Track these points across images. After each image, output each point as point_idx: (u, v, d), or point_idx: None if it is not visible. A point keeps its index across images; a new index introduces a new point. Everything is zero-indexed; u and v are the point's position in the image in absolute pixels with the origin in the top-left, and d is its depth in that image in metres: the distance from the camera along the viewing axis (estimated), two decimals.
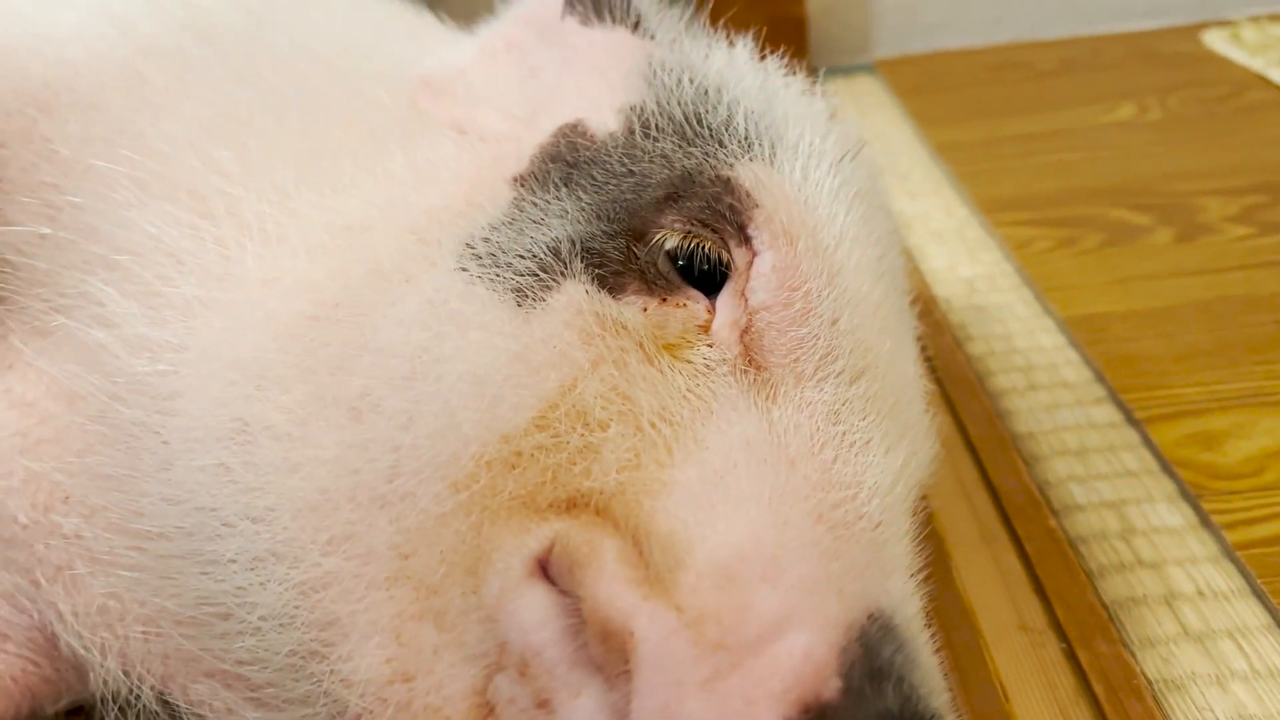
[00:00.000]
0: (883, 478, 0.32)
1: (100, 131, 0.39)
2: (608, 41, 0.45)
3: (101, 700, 0.45)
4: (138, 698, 0.43)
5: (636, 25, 0.45)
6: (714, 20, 0.97)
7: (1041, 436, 0.53)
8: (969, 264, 0.71)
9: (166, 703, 0.43)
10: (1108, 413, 0.54)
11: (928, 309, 0.66)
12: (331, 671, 0.30)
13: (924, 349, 0.62)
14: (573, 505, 0.31)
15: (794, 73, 0.47)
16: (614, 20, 0.46)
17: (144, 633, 0.41)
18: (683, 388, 0.33)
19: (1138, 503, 0.48)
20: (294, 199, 0.37)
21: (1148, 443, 0.51)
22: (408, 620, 0.31)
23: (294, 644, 0.31)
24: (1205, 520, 0.46)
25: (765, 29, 1.12)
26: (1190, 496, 0.47)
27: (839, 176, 0.39)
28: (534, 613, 0.29)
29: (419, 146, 0.40)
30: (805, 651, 0.26)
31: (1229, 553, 0.44)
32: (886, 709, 0.26)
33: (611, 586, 0.28)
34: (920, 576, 0.33)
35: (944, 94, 1.04)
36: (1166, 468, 0.49)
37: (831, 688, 0.26)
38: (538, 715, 0.28)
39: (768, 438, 0.32)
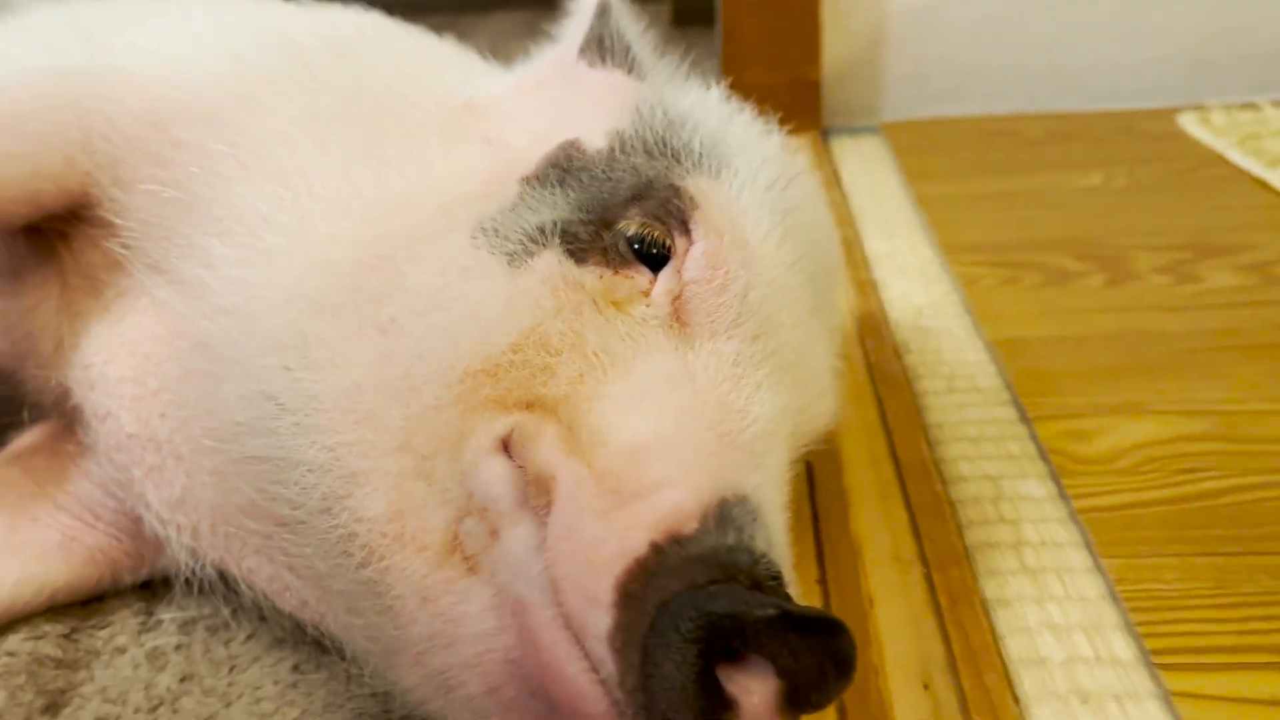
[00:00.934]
0: (766, 413, 0.43)
1: (217, 131, 0.52)
2: (607, 80, 0.57)
3: (173, 574, 0.57)
4: (202, 570, 0.54)
5: (631, 69, 0.58)
6: (739, 80, 1.11)
7: (948, 426, 0.63)
8: (922, 294, 0.82)
9: (223, 576, 0.55)
10: (1006, 412, 0.64)
11: (879, 326, 0.77)
12: (349, 510, 0.42)
13: (868, 355, 0.73)
14: (531, 405, 0.42)
15: (770, 121, 0.59)
16: (615, 64, 0.58)
17: (211, 518, 0.53)
18: (622, 332, 0.44)
19: (1012, 478, 0.58)
20: (356, 180, 0.50)
21: (1032, 436, 0.61)
22: (406, 477, 0.42)
23: (325, 490, 0.43)
24: (1061, 493, 0.56)
25: (785, 90, 1.25)
26: (1055, 476, 0.58)
27: (768, 194, 0.51)
28: (493, 473, 0.40)
29: (455, 150, 0.53)
30: (676, 502, 0.37)
31: (1073, 516, 0.54)
32: (725, 545, 0.37)
33: (547, 451, 0.39)
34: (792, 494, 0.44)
35: (936, 154, 1.16)
36: (1042, 454, 0.60)
37: (689, 526, 0.37)
38: (489, 542, 0.39)
39: (681, 372, 0.43)
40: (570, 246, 0.46)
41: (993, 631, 0.48)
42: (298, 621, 0.52)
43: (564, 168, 0.51)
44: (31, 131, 0.53)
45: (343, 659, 0.51)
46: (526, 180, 0.51)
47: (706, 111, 0.55)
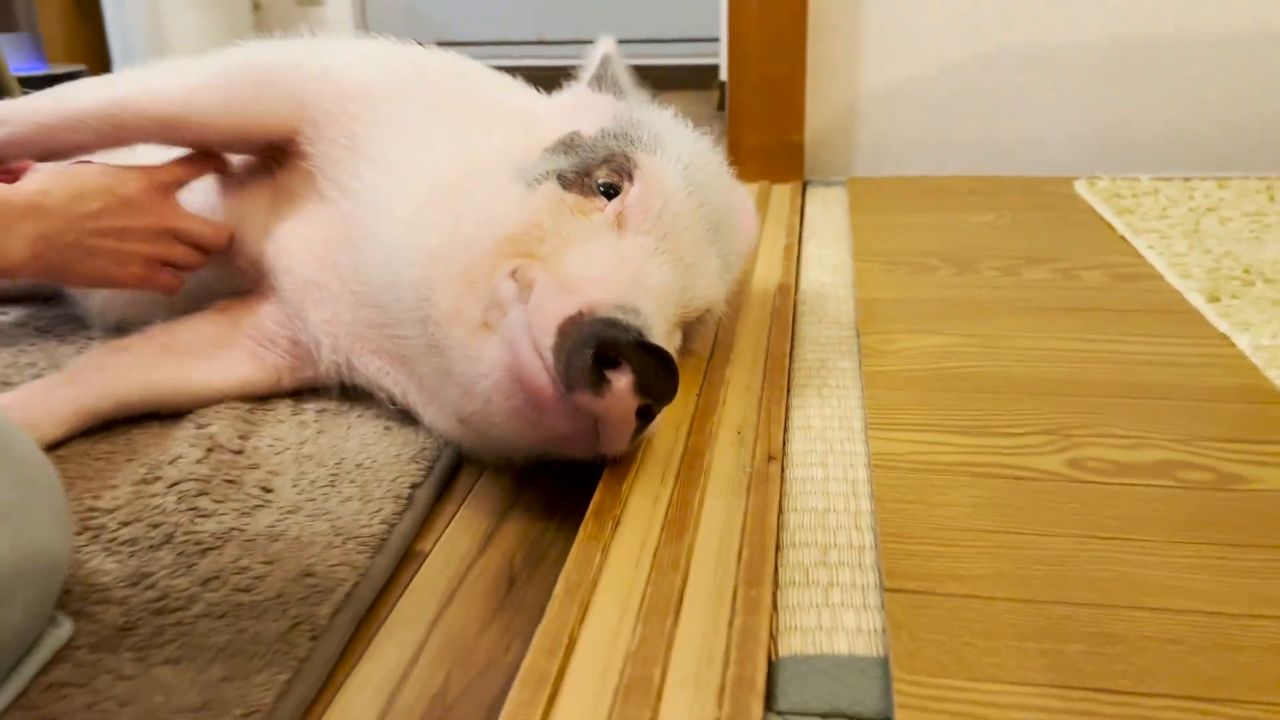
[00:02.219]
0: (659, 275, 0.77)
1: (375, 109, 0.89)
2: (603, 101, 0.94)
3: (314, 381, 0.93)
4: (335, 367, 0.90)
5: (618, 95, 0.94)
6: (742, 141, 1.49)
7: (807, 339, 0.97)
8: (829, 277, 1.17)
9: (348, 378, 0.91)
10: (848, 332, 0.98)
11: (789, 290, 1.12)
12: (429, 308, 0.77)
13: (774, 302, 1.07)
14: (530, 256, 0.77)
15: (714, 139, 0.95)
16: (608, 92, 0.95)
17: (347, 329, 0.89)
18: (584, 225, 0.79)
19: (834, 360, 0.92)
20: (450, 143, 0.86)
21: (856, 341, 0.95)
22: (460, 290, 0.76)
23: (418, 299, 0.78)
24: (859, 367, 0.90)
25: (775, 150, 1.64)
26: (859, 357, 0.91)
27: (685, 167, 0.84)
28: (505, 286, 0.74)
29: (509, 133, 0.89)
30: (596, 295, 0.71)
31: (859, 376, 0.88)
32: (618, 316, 0.70)
33: (532, 272, 0.74)
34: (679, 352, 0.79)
35: (880, 199, 1.51)
36: (858, 350, 0.94)
37: (601, 308, 0.70)
38: (500, 318, 0.74)
39: (614, 246, 0.78)
40: (562, 182, 0.81)
41: (787, 411, 0.81)
42: (391, 398, 0.88)
43: (568, 144, 0.87)
44: (271, 96, 0.91)
45: (417, 423, 0.87)
46: (546, 149, 0.87)
47: (657, 120, 0.91)
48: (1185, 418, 0.77)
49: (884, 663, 0.52)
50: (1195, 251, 1.15)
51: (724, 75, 2.57)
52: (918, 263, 1.19)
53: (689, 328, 0.84)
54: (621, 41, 3.38)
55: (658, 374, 0.65)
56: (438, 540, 0.75)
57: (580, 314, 0.66)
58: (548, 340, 0.66)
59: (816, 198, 1.58)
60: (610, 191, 0.79)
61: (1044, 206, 1.43)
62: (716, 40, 2.79)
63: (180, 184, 0.92)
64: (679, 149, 0.84)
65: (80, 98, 0.90)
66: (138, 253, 0.87)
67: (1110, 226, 1.30)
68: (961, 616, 0.54)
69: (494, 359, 0.70)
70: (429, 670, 0.61)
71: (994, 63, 1.62)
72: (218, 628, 0.61)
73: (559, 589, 0.59)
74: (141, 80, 0.93)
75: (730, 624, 0.55)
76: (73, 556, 0.59)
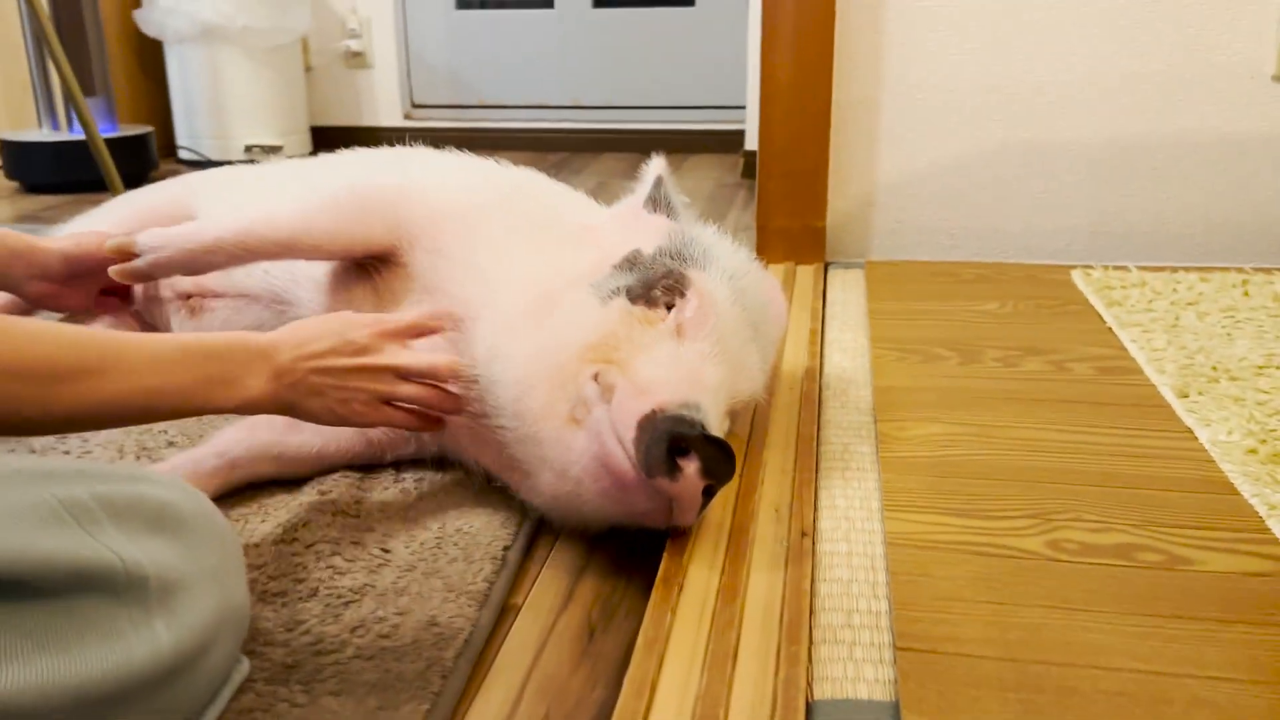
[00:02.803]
0: (713, 374, 0.93)
1: (461, 226, 1.07)
2: (656, 221, 1.10)
3: (411, 456, 1.10)
4: (433, 452, 1.07)
5: (669, 214, 1.11)
6: (769, 225, 1.67)
7: (832, 423, 1.14)
8: (849, 362, 1.33)
9: (443, 455, 1.07)
10: (866, 417, 1.15)
11: (815, 375, 1.28)
12: (524, 406, 0.93)
13: (802, 386, 1.24)
14: (608, 362, 0.93)
15: (748, 247, 1.11)
16: (661, 212, 1.12)
17: (450, 422, 1.05)
18: (650, 334, 0.95)
19: (855, 444, 1.08)
20: (530, 259, 1.03)
21: (874, 426, 1.12)
22: (553, 389, 0.92)
23: (513, 398, 0.94)
24: (876, 450, 1.06)
25: (799, 234, 1.82)
26: (876, 442, 1.07)
27: (731, 279, 0.99)
28: (589, 386, 0.90)
29: (580, 250, 1.06)
30: (666, 396, 0.86)
31: (876, 458, 1.04)
32: (686, 413, 0.86)
33: (612, 376, 0.90)
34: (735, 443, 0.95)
35: (895, 284, 1.67)
36: (875, 434, 1.10)
37: (672, 406, 0.85)
38: (584, 411, 0.90)
39: (676, 352, 0.93)
40: (630, 296, 0.98)
41: (816, 492, 0.97)
42: (488, 477, 1.05)
43: (631, 261, 1.03)
44: (372, 218, 1.09)
45: (506, 493, 1.03)
46: (614, 266, 1.03)
47: (704, 237, 1.07)
48: (1147, 505, 0.93)
49: (895, 706, 0.68)
50: (1172, 347, 1.31)
51: (749, 143, 2.76)
52: (927, 351, 1.35)
53: (735, 413, 1.00)
54: (651, 108, 3.68)
55: (720, 460, 0.81)
56: (527, 596, 0.91)
57: (654, 412, 0.82)
58: (629, 434, 0.82)
59: (837, 280, 1.75)
60: (669, 303, 0.93)
61: (1042, 295, 1.59)
62: (741, 108, 2.98)
63: (408, 336, 0.98)
64: (724, 263, 1.00)
65: (216, 226, 1.07)
66: (362, 389, 0.91)
67: (1100, 318, 1.47)
68: (956, 670, 0.70)
69: (583, 449, 0.85)
70: (531, 705, 0.77)
71: (998, 159, 1.79)
72: (368, 667, 0.78)
73: (640, 642, 0.75)
74: (264, 208, 1.11)
75: (776, 674, 0.71)
76: (249, 615, 0.75)
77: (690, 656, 0.73)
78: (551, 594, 0.92)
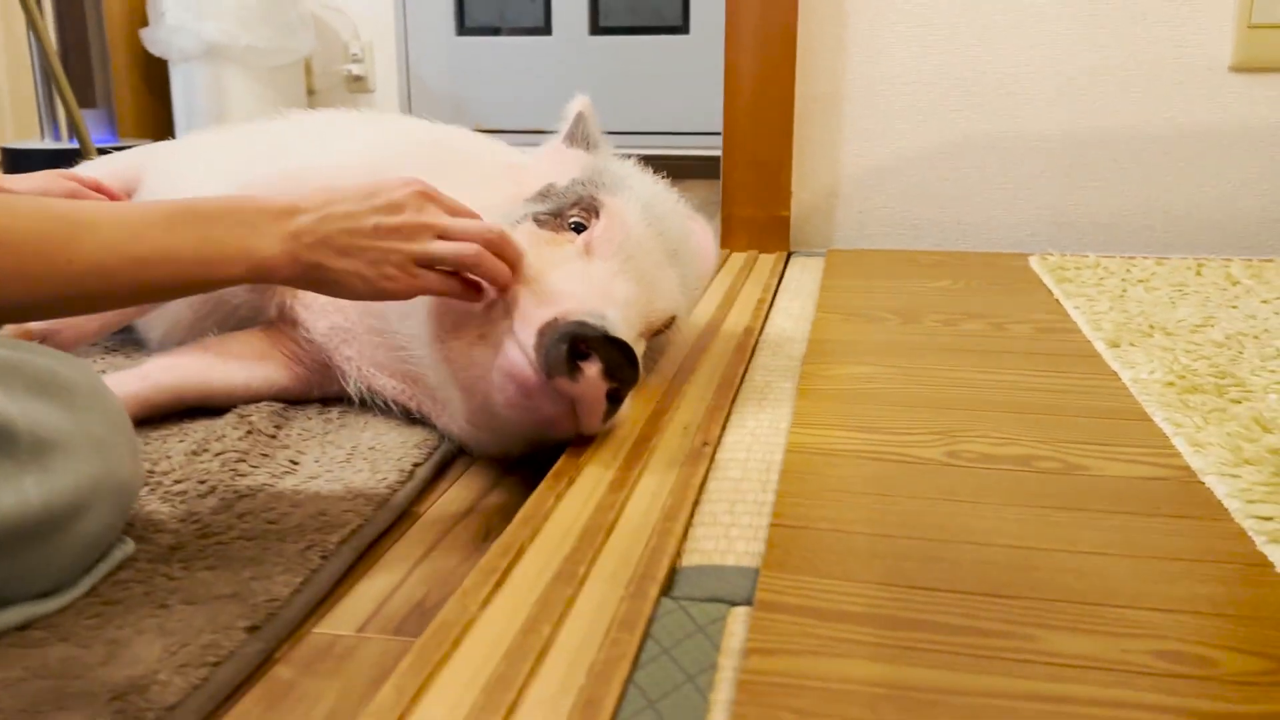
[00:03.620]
0: (621, 290, 0.93)
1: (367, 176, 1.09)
2: (575, 154, 1.11)
3: (336, 393, 1.10)
4: (355, 387, 1.08)
5: (589, 147, 1.12)
6: (733, 214, 1.69)
7: (760, 366, 1.14)
8: (792, 325, 1.34)
9: (369, 397, 1.08)
10: (794, 363, 1.15)
11: (754, 331, 1.29)
12: (437, 330, 0.94)
13: (741, 340, 1.24)
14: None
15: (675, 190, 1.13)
16: (582, 146, 1.12)
17: (369, 359, 1.06)
18: (558, 254, 0.95)
19: (775, 384, 1.08)
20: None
21: (798, 371, 1.12)
22: (459, 312, 0.93)
23: (424, 327, 0.95)
24: (795, 387, 1.06)
25: (764, 223, 1.84)
26: (796, 381, 1.07)
27: (643, 204, 0.95)
28: (496, 306, 0.92)
29: (499, 185, 1.08)
30: (569, 306, 0.87)
31: (794, 393, 1.04)
32: (589, 320, 0.87)
33: (519, 294, 0.91)
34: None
35: (853, 267, 1.68)
36: (796, 376, 1.10)
37: (574, 315, 0.87)
38: (491, 329, 0.91)
39: (583, 268, 0.93)
40: (538, 221, 0.95)
41: (728, 416, 0.97)
42: (406, 411, 1.05)
43: (544, 193, 1.02)
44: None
45: (426, 424, 1.04)
46: (527, 199, 1.05)
47: (620, 168, 1.04)
48: (1057, 428, 0.92)
49: (759, 571, 0.67)
50: (1114, 311, 1.31)
51: None
52: (871, 315, 1.35)
53: (656, 341, 1.00)
54: (641, 133, 3.70)
55: (622, 362, 0.81)
56: (430, 507, 0.91)
57: (555, 319, 0.83)
58: (530, 340, 0.83)
59: (797, 265, 1.76)
60: (580, 228, 0.94)
61: (994, 275, 1.59)
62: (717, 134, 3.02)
63: (447, 208, 0.87)
64: (639, 190, 1.01)
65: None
66: (396, 250, 0.80)
67: (1049, 292, 1.47)
68: (826, 541, 0.70)
69: (488, 363, 0.87)
70: (413, 588, 0.77)
71: (960, 151, 1.80)
72: (249, 547, 0.78)
73: (517, 518, 0.74)
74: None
75: (646, 544, 0.70)
76: (138, 492, 0.75)
77: (565, 530, 0.73)
78: (455, 505, 0.92)
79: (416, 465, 0.95)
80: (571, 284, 0.88)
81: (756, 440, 0.91)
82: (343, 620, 0.72)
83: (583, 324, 0.81)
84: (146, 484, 0.89)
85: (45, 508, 0.64)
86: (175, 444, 0.99)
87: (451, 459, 1.01)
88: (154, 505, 0.85)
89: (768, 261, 1.76)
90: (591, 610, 0.62)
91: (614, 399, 0.84)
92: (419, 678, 0.54)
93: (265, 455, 0.96)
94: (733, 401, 1.02)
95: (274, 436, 1.01)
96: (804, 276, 1.65)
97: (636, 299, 0.93)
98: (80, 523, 0.67)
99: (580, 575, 0.66)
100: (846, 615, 0.60)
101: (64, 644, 0.65)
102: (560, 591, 0.64)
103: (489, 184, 1.08)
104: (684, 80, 3.59)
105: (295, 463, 0.95)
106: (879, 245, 1.86)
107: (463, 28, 3.71)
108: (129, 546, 0.77)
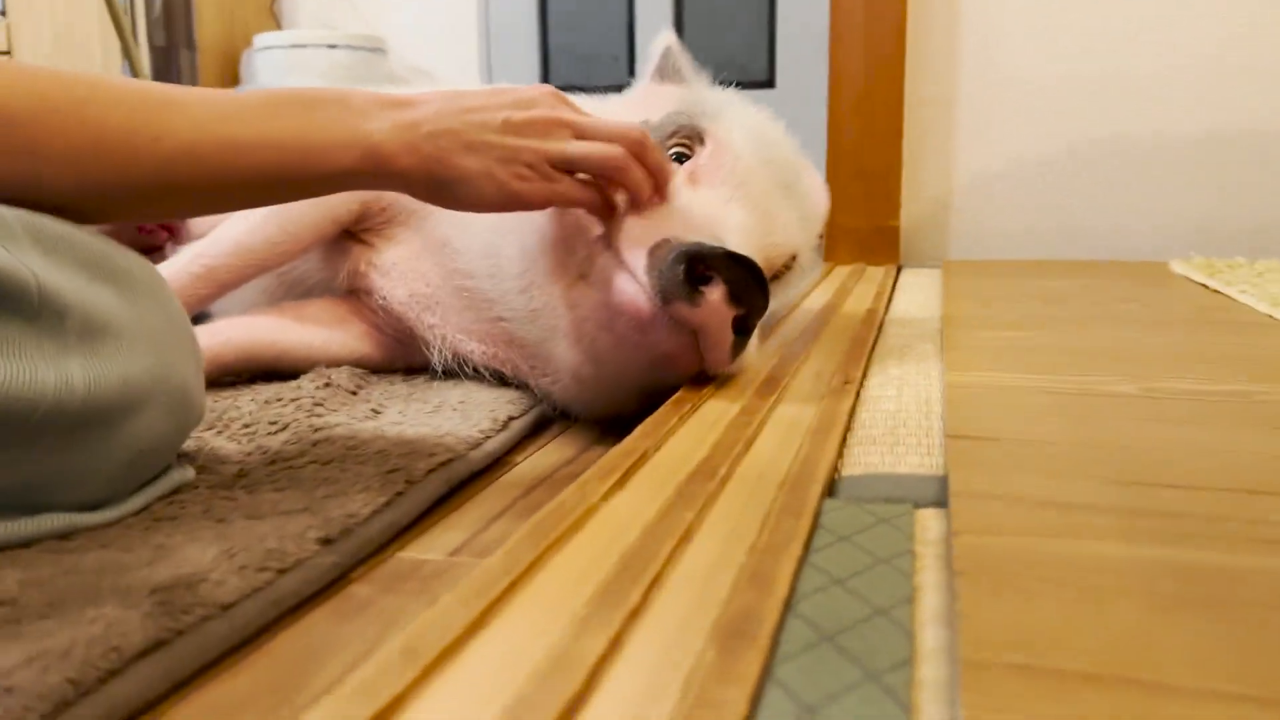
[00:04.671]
0: (734, 217, 0.82)
1: None
2: (668, 90, 0.96)
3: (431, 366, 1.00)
4: (442, 356, 0.97)
5: (680, 82, 0.97)
6: (839, 224, 1.57)
7: (893, 333, 1.01)
8: (918, 310, 1.21)
9: (458, 366, 0.97)
10: (933, 328, 1.02)
11: (877, 314, 1.16)
12: (534, 274, 0.83)
13: (866, 317, 1.11)
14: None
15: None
16: (673, 81, 0.98)
17: (456, 328, 0.96)
18: (673, 183, 0.85)
19: (918, 343, 0.95)
20: None
21: (940, 334, 0.99)
22: (559, 252, 0.82)
23: (519, 275, 0.84)
24: (942, 347, 0.93)
25: (872, 234, 1.71)
26: (941, 342, 0.94)
27: (748, 132, 0.86)
28: (598, 242, 0.80)
29: None
30: (679, 231, 0.75)
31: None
32: (702, 243, 0.74)
33: (624, 223, 0.79)
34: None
35: (974, 272, 1.55)
36: (940, 337, 0.97)
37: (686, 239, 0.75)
38: (592, 266, 0.79)
39: (691, 195, 0.82)
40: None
41: (867, 366, 0.85)
42: (501, 377, 0.94)
43: (649, 122, 0.87)
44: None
45: (521, 386, 0.92)
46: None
47: (719, 96, 0.94)
48: (1257, 367, 0.78)
49: (943, 480, 0.54)
50: None
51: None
52: (1009, 297, 1.22)
53: (776, 284, 0.89)
54: None
55: (749, 283, 0.69)
56: (528, 457, 0.80)
57: (667, 240, 0.72)
58: (640, 263, 0.71)
59: (910, 275, 1.63)
60: (683, 159, 0.84)
61: (1140, 274, 1.45)
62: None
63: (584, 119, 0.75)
64: (743, 117, 0.90)
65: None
66: (529, 147, 0.69)
67: (1203, 285, 1.32)
68: (1024, 452, 0.56)
69: (593, 302, 0.75)
70: (511, 523, 0.65)
71: (1085, 155, 1.68)
72: (325, 469, 0.67)
73: (635, 432, 0.63)
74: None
75: (797, 454, 0.58)
76: (200, 409, 0.65)
77: (695, 441, 0.60)
78: (554, 457, 0.80)
79: (511, 418, 0.84)
80: (675, 220, 0.76)
81: (906, 383, 0.79)
82: (431, 547, 0.61)
83: (699, 243, 0.69)
84: (213, 428, 0.79)
85: (90, 396, 0.54)
86: (246, 400, 0.89)
87: (549, 421, 0.90)
88: (220, 442, 0.75)
89: (877, 272, 1.64)
90: (741, 503, 0.49)
91: (740, 330, 0.72)
92: (534, 550, 0.42)
93: (344, 404, 0.85)
94: (870, 353, 0.89)
95: (354, 392, 0.91)
96: (920, 281, 1.53)
97: (753, 229, 0.81)
98: (130, 423, 0.57)
99: (721, 475, 0.53)
100: (1074, 506, 0.47)
101: (104, 550, 0.54)
102: (701, 486, 0.51)
103: None
104: None
105: (377, 411, 0.84)
106: (997, 257, 1.73)
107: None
108: (188, 472, 0.67)
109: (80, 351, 0.54)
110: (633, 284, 0.71)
